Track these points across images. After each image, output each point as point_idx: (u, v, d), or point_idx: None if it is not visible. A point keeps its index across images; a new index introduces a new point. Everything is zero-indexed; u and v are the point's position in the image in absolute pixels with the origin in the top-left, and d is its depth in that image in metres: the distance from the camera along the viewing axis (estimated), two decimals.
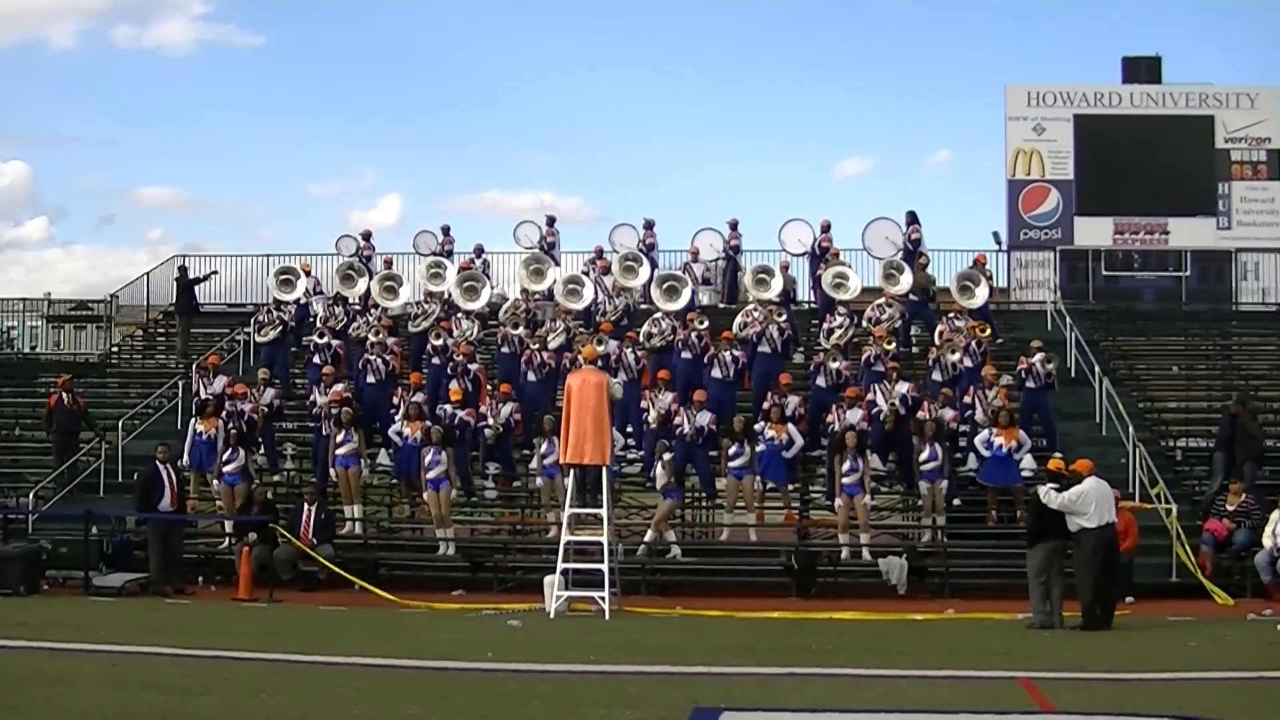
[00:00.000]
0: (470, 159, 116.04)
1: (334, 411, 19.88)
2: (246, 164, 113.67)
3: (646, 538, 18.77)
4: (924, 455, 18.64)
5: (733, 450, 18.88)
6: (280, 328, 23.14)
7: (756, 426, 19.17)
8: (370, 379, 21.20)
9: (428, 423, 19.52)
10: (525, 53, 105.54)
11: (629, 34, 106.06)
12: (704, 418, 19.28)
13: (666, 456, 18.62)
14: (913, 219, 25.29)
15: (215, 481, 19.77)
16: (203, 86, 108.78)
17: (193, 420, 20.37)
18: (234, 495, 19.42)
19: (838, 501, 18.60)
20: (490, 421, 19.88)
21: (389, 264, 25.74)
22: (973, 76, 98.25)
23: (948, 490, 19.01)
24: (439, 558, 19.24)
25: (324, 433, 20.14)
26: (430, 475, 19.01)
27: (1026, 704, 9.85)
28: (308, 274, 25.09)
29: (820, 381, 20.39)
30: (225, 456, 19.62)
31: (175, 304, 27.14)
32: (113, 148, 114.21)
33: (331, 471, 19.77)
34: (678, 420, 19.32)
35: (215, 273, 27.64)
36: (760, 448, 18.91)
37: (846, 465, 18.32)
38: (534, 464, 19.75)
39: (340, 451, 19.57)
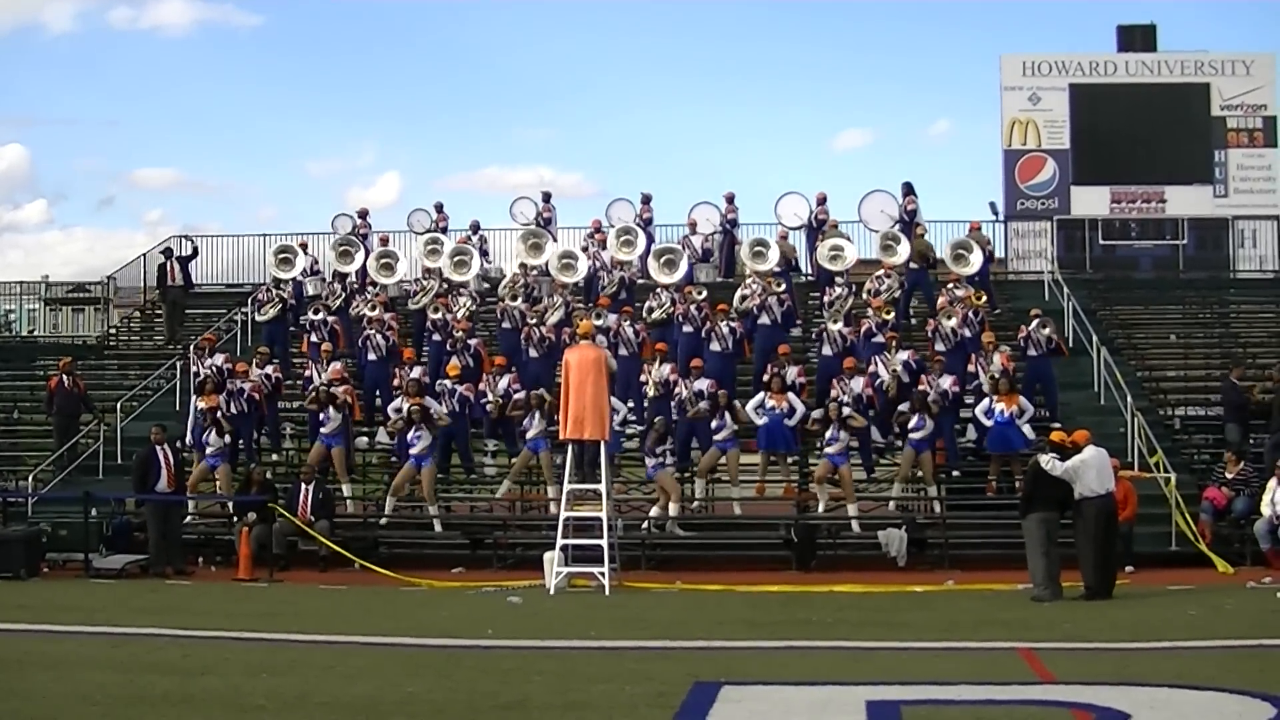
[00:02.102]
0: (469, 135, 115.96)
1: (325, 389, 19.83)
2: (245, 144, 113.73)
3: (653, 512, 18.83)
4: (912, 423, 18.64)
5: (715, 424, 18.86)
6: (280, 305, 23.10)
7: (757, 397, 19.15)
8: (371, 356, 21.24)
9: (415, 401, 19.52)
10: (523, 28, 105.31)
11: (626, 8, 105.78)
12: (702, 383, 19.31)
13: (658, 420, 18.66)
14: (909, 190, 25.29)
15: (198, 464, 19.60)
16: (201, 67, 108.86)
17: (194, 399, 20.36)
18: (214, 476, 19.33)
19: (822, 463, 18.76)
20: (490, 397, 19.86)
21: (385, 241, 25.67)
22: (972, 46, 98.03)
23: (948, 461, 19.01)
24: (438, 535, 19.26)
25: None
26: (413, 451, 19.02)
27: (1027, 674, 9.84)
28: (305, 250, 25.02)
29: (826, 350, 20.40)
30: (209, 438, 19.48)
31: (157, 285, 26.96)
32: (111, 130, 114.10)
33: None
34: (677, 389, 19.35)
35: (197, 251, 27.44)
36: (763, 420, 18.91)
37: (829, 434, 18.41)
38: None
39: (324, 430, 19.57)
